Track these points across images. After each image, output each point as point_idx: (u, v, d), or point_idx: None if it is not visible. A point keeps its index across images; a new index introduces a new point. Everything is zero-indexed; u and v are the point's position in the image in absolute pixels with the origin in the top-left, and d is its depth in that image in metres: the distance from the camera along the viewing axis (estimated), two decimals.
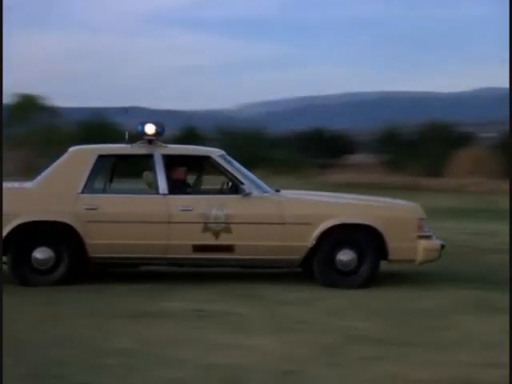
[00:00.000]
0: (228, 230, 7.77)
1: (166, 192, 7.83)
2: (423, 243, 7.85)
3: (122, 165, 9.28)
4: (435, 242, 7.97)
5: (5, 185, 7.92)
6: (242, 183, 7.86)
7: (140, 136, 8.09)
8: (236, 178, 7.94)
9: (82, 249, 7.78)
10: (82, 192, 7.86)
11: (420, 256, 7.87)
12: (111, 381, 4.68)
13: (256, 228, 7.79)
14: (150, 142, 8.05)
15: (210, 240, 7.77)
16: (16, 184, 8.59)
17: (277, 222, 7.80)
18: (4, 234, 7.62)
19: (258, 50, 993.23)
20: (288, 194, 8.40)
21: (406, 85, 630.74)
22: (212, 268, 8.50)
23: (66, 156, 8.24)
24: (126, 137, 8.46)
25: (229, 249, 7.81)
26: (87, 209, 7.77)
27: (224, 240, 7.77)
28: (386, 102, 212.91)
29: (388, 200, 8.84)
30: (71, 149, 8.40)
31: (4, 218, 7.55)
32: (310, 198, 8.45)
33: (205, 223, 7.75)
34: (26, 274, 7.80)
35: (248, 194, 7.80)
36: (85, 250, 7.78)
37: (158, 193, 7.89)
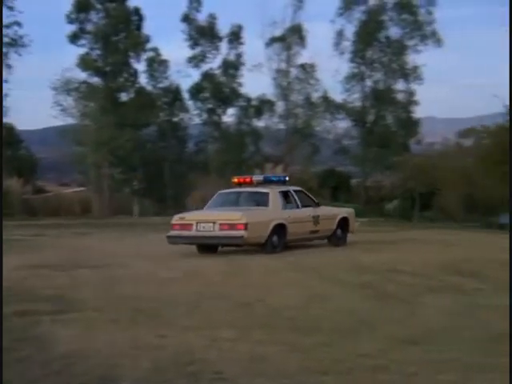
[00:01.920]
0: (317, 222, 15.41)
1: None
2: (356, 224, 17.36)
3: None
4: (357, 223, 17.88)
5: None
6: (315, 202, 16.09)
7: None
8: (313, 199, 16.15)
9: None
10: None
11: (354, 230, 16.72)
12: None
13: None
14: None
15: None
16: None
17: (324, 217, 15.76)
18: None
19: None
20: (322, 207, 16.29)
21: None
22: None
23: None
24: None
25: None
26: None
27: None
28: None
29: (346, 208, 17.90)
30: None
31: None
32: (331, 208, 17.54)
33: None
34: None
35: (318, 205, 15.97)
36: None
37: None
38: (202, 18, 49.52)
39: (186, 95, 50.45)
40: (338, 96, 49.62)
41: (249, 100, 50.28)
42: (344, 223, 16.06)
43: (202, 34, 49.08)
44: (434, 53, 48.20)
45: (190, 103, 50.77)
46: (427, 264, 11.08)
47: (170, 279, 9.49)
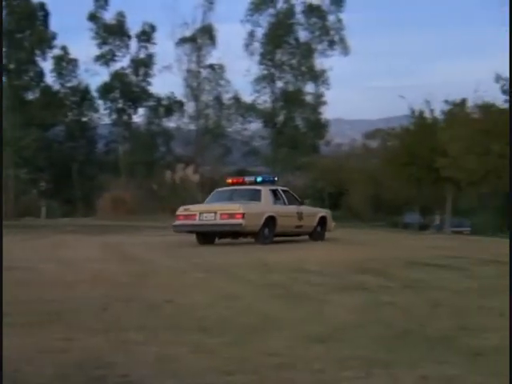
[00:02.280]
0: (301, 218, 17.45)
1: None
2: (333, 224, 18.94)
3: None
4: (333, 224, 19.07)
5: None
6: (300, 200, 18.34)
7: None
8: (297, 198, 18.31)
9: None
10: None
11: (332, 228, 18.68)
12: None
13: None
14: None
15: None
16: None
17: (307, 214, 17.78)
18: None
19: None
20: (305, 206, 18.26)
21: None
22: None
23: None
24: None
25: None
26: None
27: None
28: None
29: (324, 209, 20.21)
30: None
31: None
32: (312, 207, 19.61)
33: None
34: None
35: (302, 203, 18.22)
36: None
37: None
38: (110, 16, 48.89)
39: (95, 94, 49.71)
40: (248, 97, 49.99)
41: (159, 100, 49.99)
42: (323, 221, 18.29)
43: (111, 33, 48.43)
44: (341, 56, 49.05)
45: (99, 103, 50.05)
46: (335, 263, 11.28)
47: (77, 282, 9.31)
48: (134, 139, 49.62)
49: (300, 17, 49.77)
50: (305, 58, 49.39)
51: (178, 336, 5.85)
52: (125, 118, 50.01)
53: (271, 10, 49.63)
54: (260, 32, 49.76)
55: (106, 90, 48.72)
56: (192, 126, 50.75)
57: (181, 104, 50.28)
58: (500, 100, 28.26)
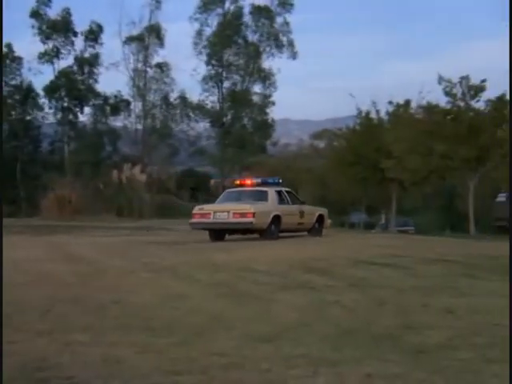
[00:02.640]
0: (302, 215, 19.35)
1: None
2: (329, 221, 21.00)
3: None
4: (329, 221, 21.40)
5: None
6: (301, 200, 20.10)
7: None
8: (298, 198, 20.16)
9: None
10: None
11: (328, 226, 20.79)
12: None
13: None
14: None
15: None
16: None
17: (307, 213, 19.61)
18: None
19: None
20: (305, 205, 20.03)
21: None
22: None
23: None
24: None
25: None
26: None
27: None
28: None
29: (322, 208, 21.44)
30: None
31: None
32: (312, 206, 21.09)
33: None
34: None
35: (302, 203, 19.85)
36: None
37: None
38: (54, 13, 48.15)
39: (40, 93, 48.93)
40: (196, 97, 49.86)
41: (106, 99, 49.47)
42: (321, 219, 20.19)
43: (55, 29, 47.67)
44: (289, 57, 49.32)
45: (44, 101, 49.28)
46: (283, 262, 11.35)
47: (23, 282, 9.18)
48: (80, 138, 49.03)
49: (248, 18, 49.88)
50: (252, 58, 49.50)
51: (124, 337, 5.82)
52: (71, 116, 49.35)
53: (220, 10, 49.61)
54: (208, 32, 49.71)
55: (51, 89, 48.02)
56: (139, 126, 50.41)
57: (128, 103, 49.88)
58: (443, 101, 28.73)
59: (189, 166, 54.93)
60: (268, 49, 49.65)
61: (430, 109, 29.42)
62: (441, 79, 28.10)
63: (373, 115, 34.35)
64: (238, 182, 20.23)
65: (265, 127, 50.14)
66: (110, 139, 50.02)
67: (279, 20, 49.38)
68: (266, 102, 50.08)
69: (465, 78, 27.93)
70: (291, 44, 48.98)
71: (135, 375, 4.68)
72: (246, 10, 49.83)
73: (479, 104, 28.38)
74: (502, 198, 33.70)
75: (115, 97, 49.27)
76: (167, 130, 49.66)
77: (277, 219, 18.01)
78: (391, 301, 7.74)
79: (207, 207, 18.65)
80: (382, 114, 34.10)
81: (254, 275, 9.89)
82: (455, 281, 9.49)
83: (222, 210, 17.68)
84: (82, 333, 5.93)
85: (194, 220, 18.18)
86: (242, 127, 49.98)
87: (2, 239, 8.67)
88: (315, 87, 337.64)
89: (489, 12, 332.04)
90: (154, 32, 48.79)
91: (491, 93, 28.26)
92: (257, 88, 50.32)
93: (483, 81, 27.90)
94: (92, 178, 45.15)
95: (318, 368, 4.79)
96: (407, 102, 32.25)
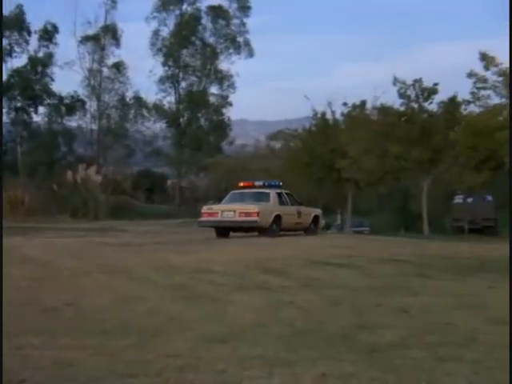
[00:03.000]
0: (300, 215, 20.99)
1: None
2: (322, 221, 23.94)
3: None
4: (323, 222, 25.01)
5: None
6: (298, 201, 21.61)
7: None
8: (297, 200, 21.56)
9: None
10: None
11: (321, 225, 23.35)
12: None
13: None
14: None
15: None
16: None
17: (304, 213, 21.20)
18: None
19: None
20: (303, 206, 21.65)
21: None
22: None
23: None
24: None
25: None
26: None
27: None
28: None
29: (317, 209, 23.49)
30: None
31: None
32: (308, 208, 22.40)
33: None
34: None
35: (300, 204, 21.47)
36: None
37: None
38: (7, 9, 47.39)
39: None
40: (153, 97, 49.58)
41: (61, 99, 48.85)
42: (316, 219, 21.98)
43: (8, 27, 46.89)
44: (246, 58, 49.41)
45: None
46: (236, 263, 11.36)
47: None
48: (34, 139, 48.35)
49: (206, 19, 49.77)
50: (209, 59, 49.42)
51: (78, 339, 5.76)
52: (24, 116, 48.64)
53: (177, 11, 49.40)
54: (166, 32, 49.47)
55: (4, 88, 47.25)
56: (94, 126, 49.93)
57: (83, 103, 49.36)
58: (397, 103, 29.05)
59: (145, 166, 54.60)
60: (225, 50, 49.63)
61: (385, 110, 29.72)
62: (396, 81, 28.43)
63: (328, 116, 34.57)
64: (242, 184, 21.70)
65: (221, 128, 50.11)
66: (64, 139, 49.42)
67: (236, 21, 49.40)
68: (223, 102, 50.05)
69: (418, 81, 28.29)
70: (248, 44, 49.05)
71: (88, 378, 4.64)
72: (204, 10, 49.73)
73: (432, 106, 28.79)
74: (459, 199, 34.32)
75: (72, 97, 48.72)
76: (123, 131, 49.28)
77: (278, 219, 19.65)
78: (346, 301, 7.81)
79: (216, 207, 20.42)
80: (338, 115, 34.35)
81: (210, 276, 9.88)
82: (409, 280, 9.62)
83: (228, 210, 19.35)
84: (34, 336, 5.86)
85: (203, 218, 19.80)
86: (199, 128, 49.85)
87: (1, 239, 8.54)
88: (273, 88, 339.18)
89: (443, 16, 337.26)
90: (110, 32, 48.38)
91: (443, 95, 28.71)
92: (214, 89, 50.27)
93: (436, 84, 28.30)
94: (46, 178, 44.54)
95: (273, 368, 4.81)
96: (363, 103, 32.52)
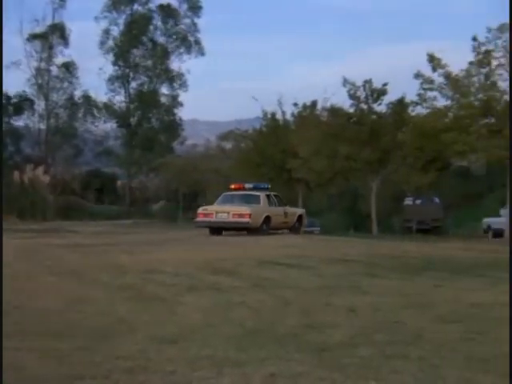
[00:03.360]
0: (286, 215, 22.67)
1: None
2: (305, 220, 24.52)
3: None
4: (306, 220, 24.79)
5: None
6: (284, 202, 23.37)
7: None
8: (283, 201, 23.30)
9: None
10: None
11: (305, 224, 24.49)
12: None
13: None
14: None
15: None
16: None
17: (290, 213, 22.98)
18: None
19: None
20: (288, 207, 23.38)
21: None
22: None
23: None
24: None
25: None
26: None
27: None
28: None
29: (301, 209, 25.93)
30: None
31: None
32: (293, 208, 24.55)
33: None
34: None
35: (285, 205, 23.18)
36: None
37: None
38: None
39: None
40: (103, 96, 49.07)
41: (8, 98, 47.97)
42: (300, 219, 23.74)
43: None
44: (197, 58, 49.28)
45: None
46: (187, 264, 11.34)
47: None
48: None
49: (156, 18, 49.48)
50: (160, 59, 49.14)
51: (25, 342, 5.68)
52: None
53: (128, 10, 49.01)
54: (116, 31, 49.03)
55: None
56: (42, 126, 49.18)
57: (31, 103, 48.61)
58: (347, 104, 29.32)
59: (95, 166, 53.99)
60: (176, 49, 49.41)
61: (334, 111, 29.97)
62: (345, 82, 28.68)
63: (279, 117, 34.68)
64: (233, 187, 23.00)
65: (173, 128, 49.86)
66: (11, 139, 48.58)
67: (187, 21, 49.22)
68: (174, 102, 49.82)
69: (368, 82, 28.60)
70: (198, 43, 48.92)
71: (35, 381, 4.59)
72: (155, 10, 49.42)
73: (381, 107, 29.13)
74: (409, 201, 34.85)
75: (20, 96, 47.93)
76: (71, 130, 48.65)
77: (267, 219, 21.27)
78: (295, 301, 7.87)
79: (210, 208, 21.49)
80: (288, 116, 34.50)
81: (160, 277, 9.84)
82: (358, 280, 9.74)
83: (223, 211, 20.70)
84: None
85: (199, 219, 21.02)
86: (150, 128, 49.53)
87: (1, 239, 8.40)
88: (224, 88, 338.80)
89: (393, 17, 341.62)
90: (58, 31, 47.72)
91: (393, 96, 29.08)
92: (165, 89, 50.01)
93: (385, 84, 28.63)
94: None
95: (222, 369, 4.83)
96: (313, 104, 32.73)
